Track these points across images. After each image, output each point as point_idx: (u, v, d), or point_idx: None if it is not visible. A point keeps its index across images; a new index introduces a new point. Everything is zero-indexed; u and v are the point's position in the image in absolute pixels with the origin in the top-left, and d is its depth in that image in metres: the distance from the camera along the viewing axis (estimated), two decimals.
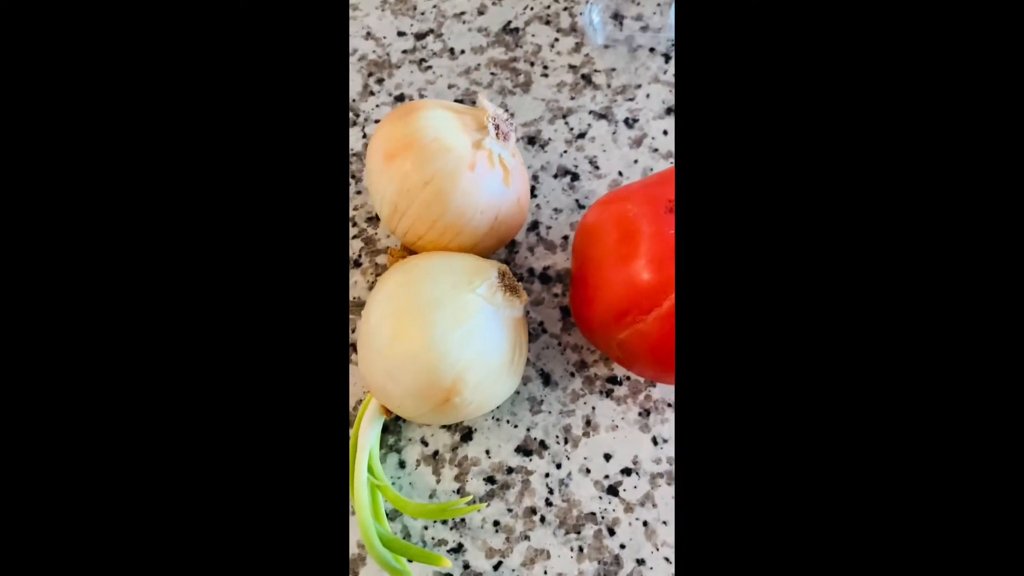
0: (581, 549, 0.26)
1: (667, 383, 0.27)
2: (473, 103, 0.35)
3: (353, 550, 0.26)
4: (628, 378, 0.29)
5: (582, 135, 0.34)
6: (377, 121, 0.35)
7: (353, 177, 0.33)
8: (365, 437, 0.25)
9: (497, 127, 0.25)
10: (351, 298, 0.30)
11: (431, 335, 0.21)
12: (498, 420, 0.28)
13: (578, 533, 0.26)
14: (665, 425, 0.28)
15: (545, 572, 0.25)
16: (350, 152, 0.34)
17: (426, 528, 0.26)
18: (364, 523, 0.24)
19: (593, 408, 0.28)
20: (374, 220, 0.32)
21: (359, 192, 0.33)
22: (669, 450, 0.27)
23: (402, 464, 0.27)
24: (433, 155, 0.24)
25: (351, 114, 0.35)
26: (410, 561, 0.25)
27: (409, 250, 0.27)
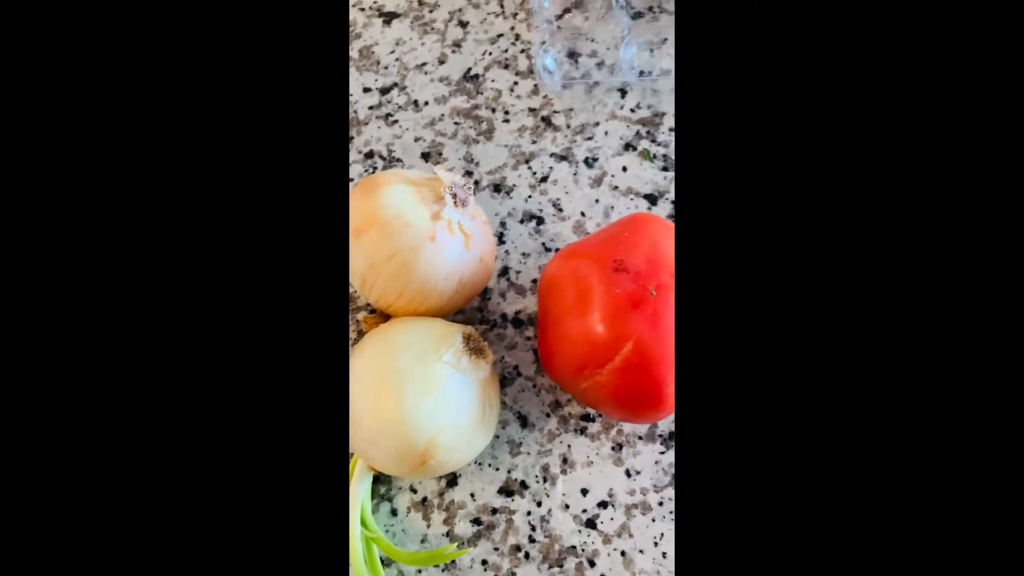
0: None
1: (633, 423, 0.29)
2: (440, 154, 0.37)
3: None
4: (600, 415, 0.30)
5: (544, 179, 0.35)
6: (350, 180, 0.36)
7: None
8: (356, 493, 0.27)
9: (454, 195, 0.27)
10: None
11: (403, 407, 0.23)
12: (480, 464, 0.30)
13: (560, 567, 0.28)
14: (637, 458, 0.29)
15: None
16: None
17: (419, 572, 0.28)
18: (359, 574, 0.26)
19: (569, 446, 0.30)
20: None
21: None
22: (643, 481, 0.29)
23: (394, 512, 0.29)
24: (395, 232, 0.25)
25: None
26: None
27: (383, 314, 0.29)
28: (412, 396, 0.23)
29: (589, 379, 0.25)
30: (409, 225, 0.26)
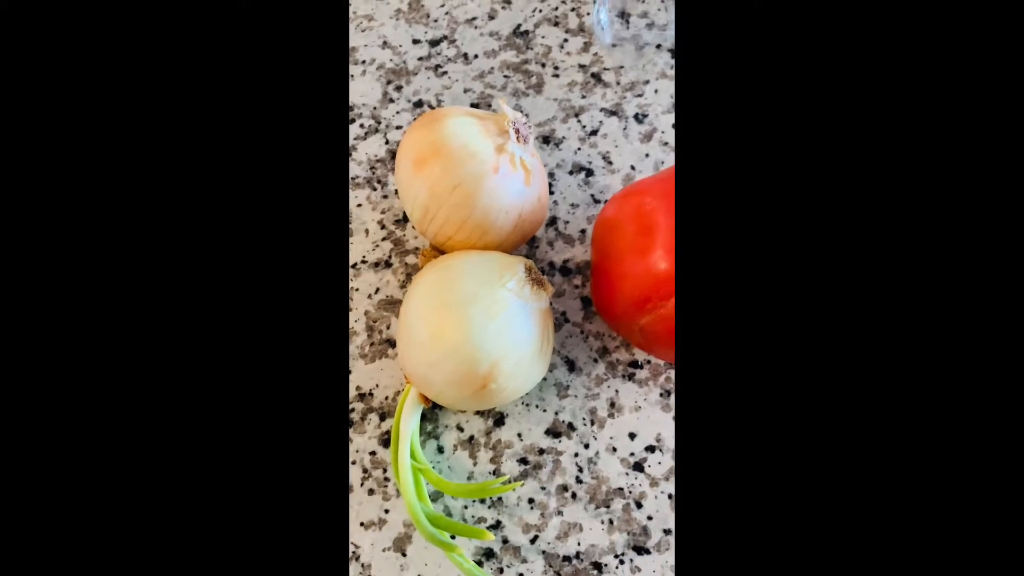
0: (611, 522, 0.27)
1: None
2: (489, 106, 0.37)
3: (400, 529, 0.28)
4: (648, 362, 0.30)
5: (594, 132, 0.35)
6: (399, 127, 0.36)
7: (379, 182, 0.35)
8: (406, 424, 0.27)
9: (517, 131, 0.27)
10: (384, 297, 0.32)
11: (469, 329, 0.23)
12: (528, 405, 0.30)
13: (607, 507, 0.28)
14: None
15: (579, 544, 0.27)
16: (375, 158, 0.36)
17: (466, 507, 0.28)
18: (411, 504, 0.26)
19: (616, 391, 0.30)
20: (401, 222, 0.34)
21: (385, 196, 0.35)
22: None
23: (440, 449, 0.29)
24: (460, 161, 0.25)
25: (373, 121, 0.37)
26: (454, 537, 0.27)
27: (439, 250, 0.29)
28: (478, 319, 0.23)
29: (651, 312, 0.25)
30: (474, 155, 0.26)
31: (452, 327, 0.23)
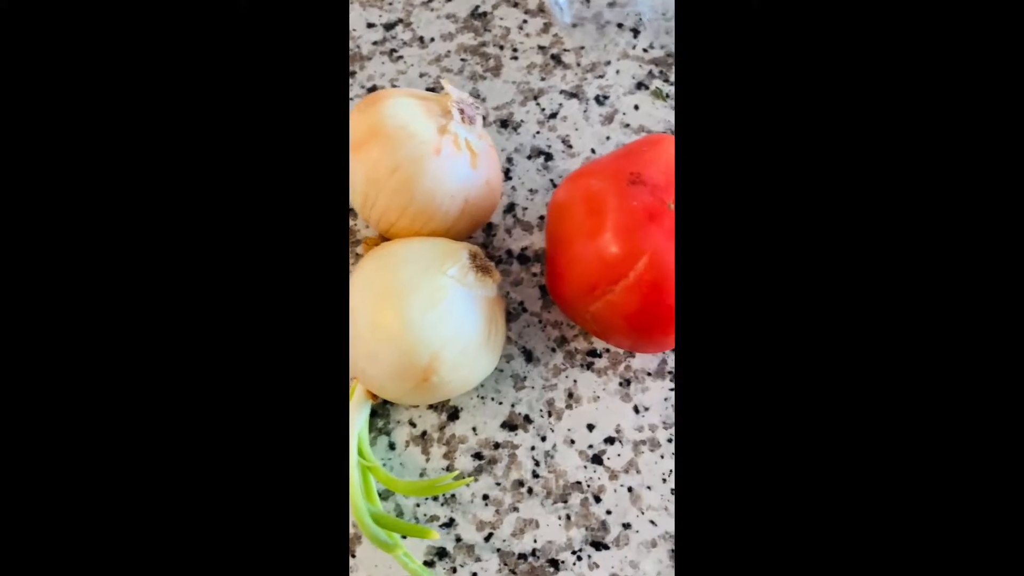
0: (569, 517, 0.26)
1: (643, 351, 0.28)
2: (443, 81, 0.35)
3: (349, 530, 0.27)
4: (607, 350, 0.29)
5: (554, 115, 0.34)
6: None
7: None
8: (353, 421, 0.26)
9: (462, 111, 0.26)
10: None
11: (406, 317, 0.22)
12: (483, 398, 0.29)
13: (565, 502, 0.27)
14: (646, 394, 0.28)
15: (535, 540, 0.26)
16: None
17: (418, 505, 0.27)
18: (356, 504, 0.25)
19: (575, 381, 0.29)
20: (352, 212, 0.33)
21: None
22: (651, 418, 0.28)
23: (392, 446, 0.28)
24: (398, 142, 0.24)
25: None
26: (404, 537, 0.26)
27: (385, 238, 0.28)
28: (415, 308, 0.22)
29: (600, 299, 0.24)
30: (413, 136, 0.24)
31: (389, 317, 0.22)
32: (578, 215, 0.24)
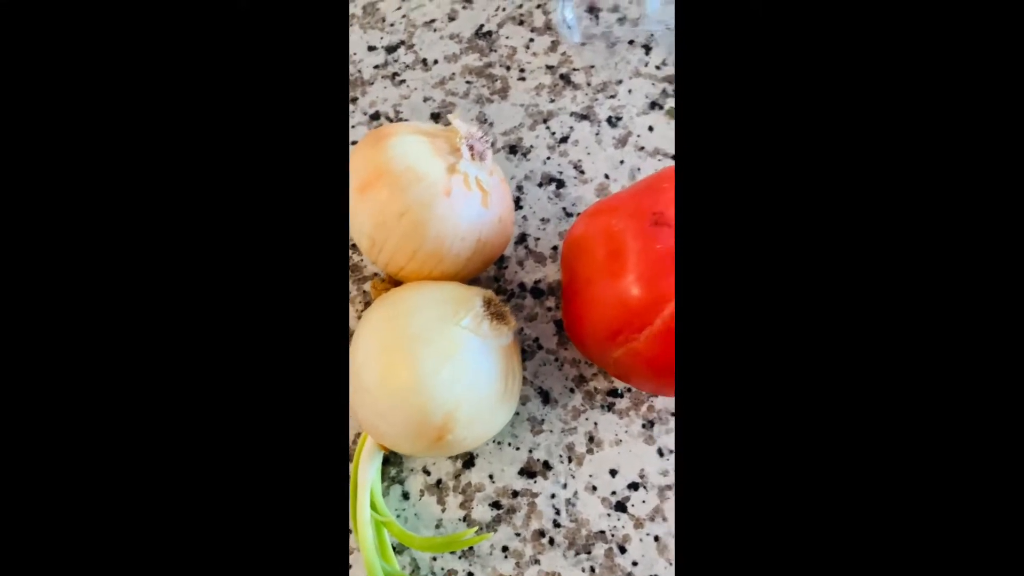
0: (593, 569, 0.25)
1: (668, 395, 0.27)
2: (450, 116, 0.34)
3: None
4: (629, 390, 0.28)
5: (564, 139, 0.33)
6: (353, 142, 0.34)
7: None
8: (365, 474, 0.25)
9: (471, 147, 0.24)
10: None
11: (419, 374, 0.21)
12: (499, 444, 0.27)
13: (588, 553, 0.25)
14: (670, 436, 0.27)
15: None
16: None
17: (435, 559, 0.26)
18: (369, 562, 0.24)
19: (595, 424, 0.27)
20: (357, 247, 0.32)
21: None
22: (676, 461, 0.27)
23: (406, 495, 0.27)
24: (406, 185, 0.23)
25: None
26: None
27: (393, 280, 0.27)
28: (429, 363, 0.21)
29: (623, 346, 0.22)
30: (421, 178, 0.23)
31: (401, 373, 0.21)
32: (598, 256, 0.23)
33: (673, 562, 0.25)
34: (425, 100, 0.35)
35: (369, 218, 0.24)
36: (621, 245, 0.22)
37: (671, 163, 0.32)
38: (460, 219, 0.24)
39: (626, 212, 0.23)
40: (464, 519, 0.26)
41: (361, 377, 0.22)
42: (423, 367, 0.21)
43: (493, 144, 0.33)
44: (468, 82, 0.35)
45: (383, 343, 0.22)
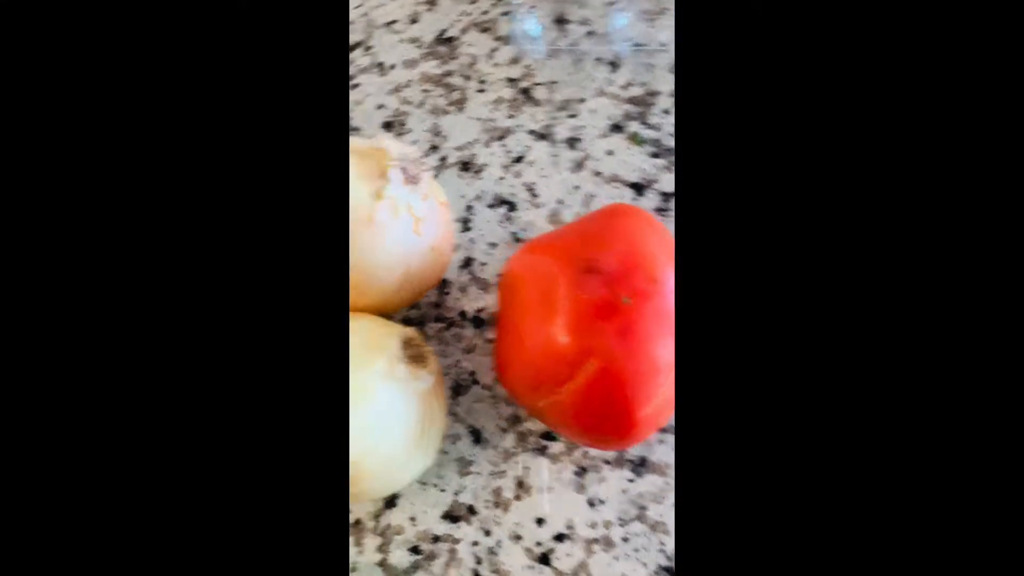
0: None
1: (598, 449, 0.25)
2: (403, 125, 0.32)
3: None
4: None
5: (519, 159, 0.31)
6: None
7: None
8: None
9: (404, 170, 0.23)
10: None
11: None
12: (424, 484, 0.26)
13: None
14: (602, 485, 0.26)
15: None
16: None
17: None
18: None
19: (526, 468, 0.26)
20: None
21: None
22: (606, 512, 0.25)
23: None
24: None
25: None
26: None
27: None
28: None
29: (546, 397, 0.21)
30: None
31: None
32: (529, 296, 0.21)
33: None
34: (378, 108, 0.33)
35: None
36: (551, 289, 0.21)
37: (627, 192, 0.30)
38: (384, 248, 0.22)
39: (559, 254, 0.21)
40: (380, 564, 0.25)
41: None
42: None
43: (444, 160, 0.31)
44: (425, 91, 0.33)
45: None
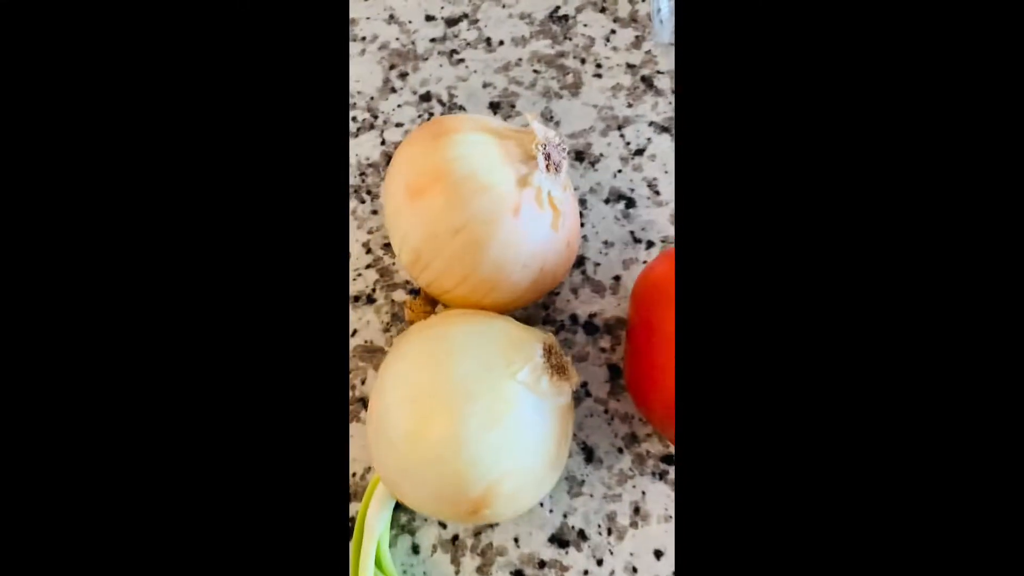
0: None
1: None
2: (512, 107, 0.30)
3: None
4: None
5: (640, 151, 0.29)
6: (399, 124, 0.30)
7: (369, 193, 0.29)
8: (373, 522, 0.21)
9: (548, 156, 0.20)
10: (363, 341, 0.26)
11: (460, 436, 0.17)
12: None
13: None
14: None
15: None
16: (367, 162, 0.29)
17: None
18: None
19: (643, 492, 0.24)
20: (392, 251, 0.28)
21: (375, 212, 0.28)
22: None
23: (415, 549, 0.23)
24: (468, 195, 0.19)
25: (369, 115, 0.30)
26: None
27: (430, 298, 0.23)
28: (473, 423, 0.17)
29: None
30: (487, 189, 0.19)
31: (438, 431, 0.17)
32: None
33: None
34: (485, 86, 0.30)
35: (417, 229, 0.19)
36: None
37: None
38: (526, 243, 0.20)
39: None
40: None
41: (384, 424, 0.18)
42: (466, 427, 0.17)
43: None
44: (536, 71, 0.30)
45: (418, 389, 0.18)
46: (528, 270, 0.20)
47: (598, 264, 0.27)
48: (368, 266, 0.27)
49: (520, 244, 0.19)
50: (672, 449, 0.24)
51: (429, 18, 0.32)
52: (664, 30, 0.30)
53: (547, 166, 0.20)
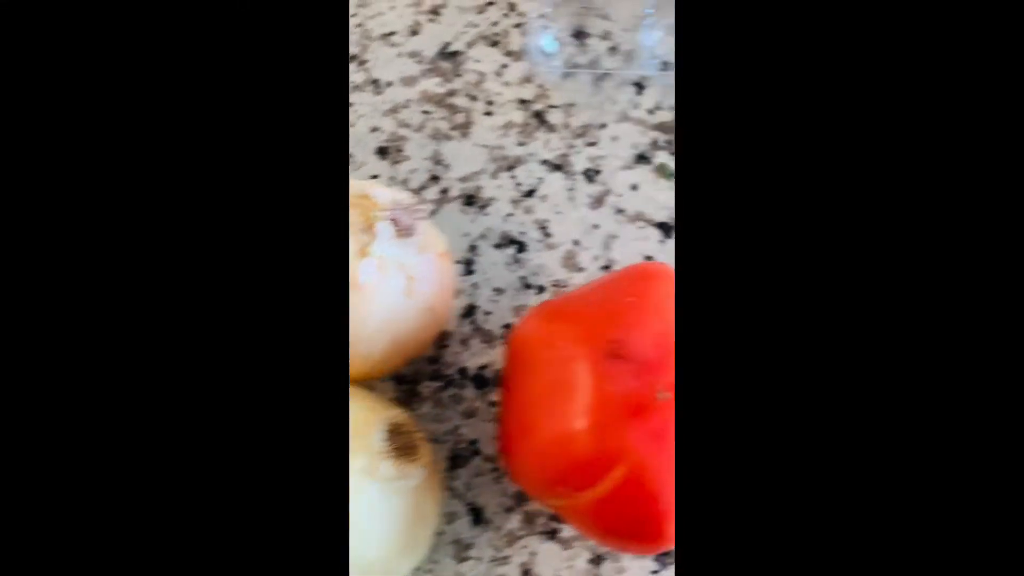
0: None
1: (617, 551, 0.22)
2: (400, 152, 0.29)
3: None
4: None
5: (531, 192, 0.28)
6: None
7: None
8: None
9: (395, 221, 0.19)
10: None
11: None
12: (416, 570, 0.23)
13: None
14: None
15: None
16: None
17: None
18: None
19: (533, 554, 0.23)
20: None
21: None
22: None
23: None
24: None
25: None
26: None
27: None
28: None
29: (561, 499, 0.18)
30: None
31: None
32: (543, 377, 0.18)
33: None
34: (372, 130, 0.29)
35: None
36: (569, 374, 0.17)
37: (654, 233, 0.27)
38: (371, 313, 0.19)
39: (580, 328, 0.18)
40: None
41: None
42: None
43: (446, 192, 0.28)
44: (425, 112, 0.30)
45: None
46: (377, 339, 0.19)
47: (488, 313, 0.26)
48: None
49: (365, 314, 0.19)
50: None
51: None
52: (550, 63, 0.29)
53: (396, 231, 0.19)
